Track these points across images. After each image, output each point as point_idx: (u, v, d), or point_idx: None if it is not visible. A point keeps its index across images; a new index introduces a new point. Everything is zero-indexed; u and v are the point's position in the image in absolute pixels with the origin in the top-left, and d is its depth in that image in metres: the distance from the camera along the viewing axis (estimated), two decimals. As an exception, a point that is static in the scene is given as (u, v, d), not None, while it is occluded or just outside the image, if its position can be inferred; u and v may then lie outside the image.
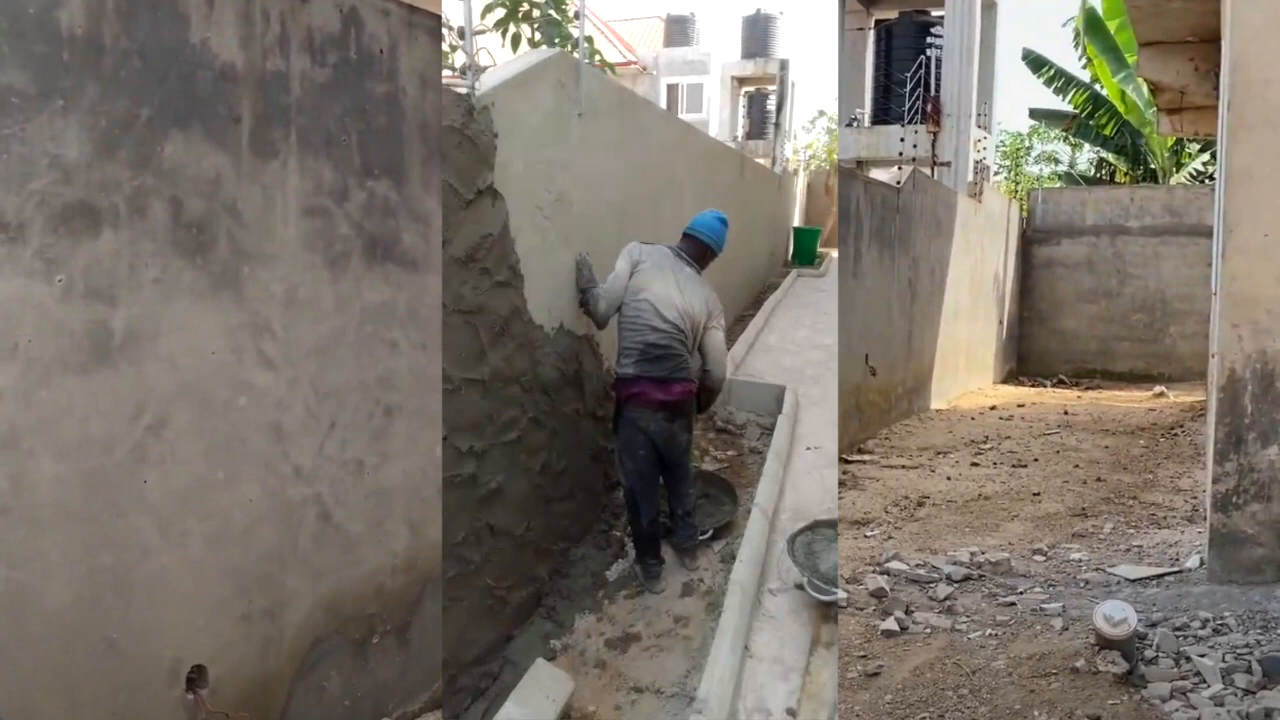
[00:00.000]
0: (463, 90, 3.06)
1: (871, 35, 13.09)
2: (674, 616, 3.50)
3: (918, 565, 3.89)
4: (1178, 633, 2.95)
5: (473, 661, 3.15)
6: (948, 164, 11.61)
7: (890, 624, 3.18)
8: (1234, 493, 3.49)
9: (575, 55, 4.10)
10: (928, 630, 3.17)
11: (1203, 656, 2.76)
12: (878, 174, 11.03)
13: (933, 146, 11.65)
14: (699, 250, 4.00)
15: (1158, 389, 10.90)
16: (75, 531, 2.01)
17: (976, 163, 11.81)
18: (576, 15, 4.99)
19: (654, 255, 3.91)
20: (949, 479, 5.83)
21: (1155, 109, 9.73)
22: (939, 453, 6.75)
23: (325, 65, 2.51)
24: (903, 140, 11.73)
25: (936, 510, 5.04)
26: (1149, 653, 2.81)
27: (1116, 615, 2.70)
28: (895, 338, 7.96)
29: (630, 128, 4.91)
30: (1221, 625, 3.01)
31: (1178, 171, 15.65)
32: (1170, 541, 4.29)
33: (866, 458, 6.47)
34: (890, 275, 7.80)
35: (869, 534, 4.55)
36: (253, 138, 2.33)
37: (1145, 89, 11.56)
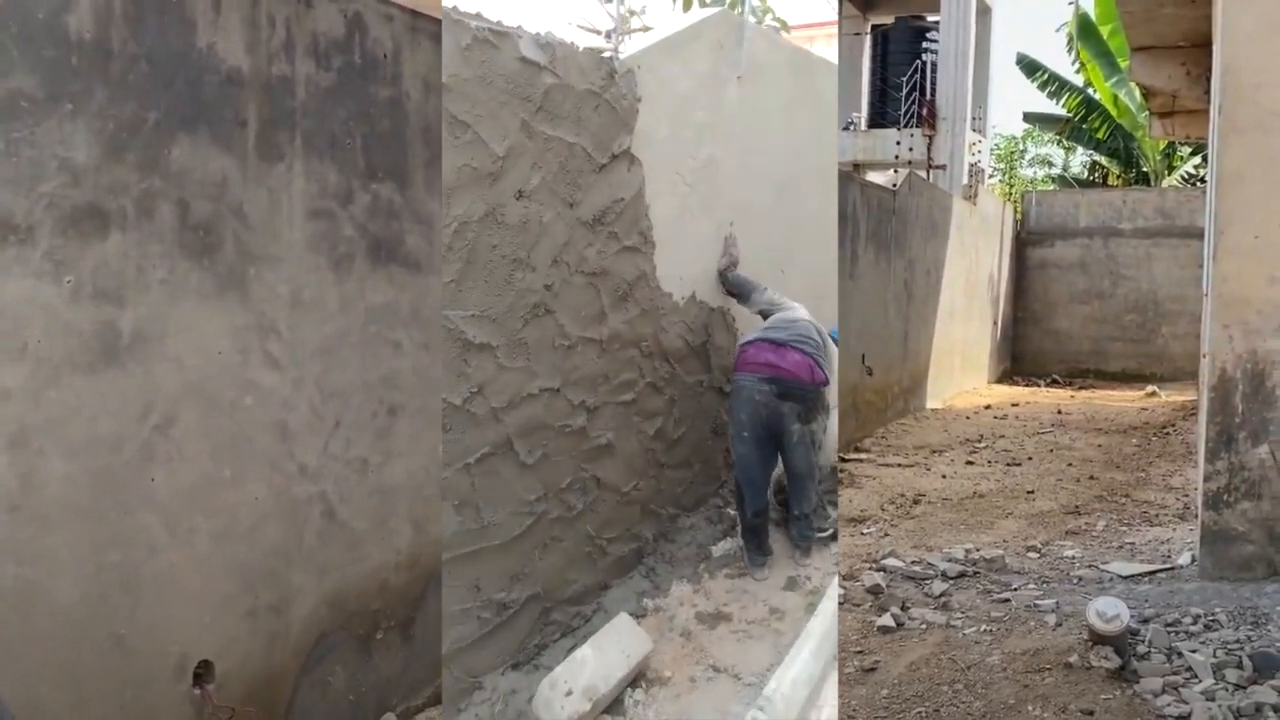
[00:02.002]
0: (605, 54, 3.04)
1: (868, 40, 13.17)
2: (770, 607, 3.38)
3: (913, 562, 3.93)
4: (1170, 629, 2.99)
5: (567, 600, 3.19)
6: (943, 167, 11.68)
7: (886, 620, 3.22)
8: (1225, 491, 3.53)
9: (739, 14, 3.91)
10: (923, 626, 3.21)
11: (1194, 652, 2.79)
12: (874, 177, 11.09)
13: (928, 150, 11.72)
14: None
15: (1150, 388, 10.98)
16: (83, 529, 2.04)
17: (971, 166, 11.88)
18: None
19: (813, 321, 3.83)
20: (944, 477, 5.88)
21: (1147, 113, 9.81)
22: (934, 451, 6.80)
23: (330, 70, 2.54)
24: (899, 143, 11.80)
25: (932, 508, 5.08)
26: (1141, 648, 2.85)
27: (1109, 611, 2.74)
28: (891, 338, 8.01)
29: (801, 91, 4.52)
30: (1213, 621, 3.05)
31: (1169, 174, 15.75)
32: (1162, 539, 4.34)
33: (863, 456, 6.52)
34: (886, 277, 7.85)
35: (866, 531, 4.59)
36: (258, 141, 2.36)
37: (1137, 93, 11.64)
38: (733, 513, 3.89)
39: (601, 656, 2.80)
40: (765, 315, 3.81)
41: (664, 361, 3.62)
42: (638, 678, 2.93)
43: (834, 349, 3.86)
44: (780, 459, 3.64)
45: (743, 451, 3.53)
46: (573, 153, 2.99)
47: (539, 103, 2.84)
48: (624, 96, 3.18)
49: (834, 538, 3.84)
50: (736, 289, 3.93)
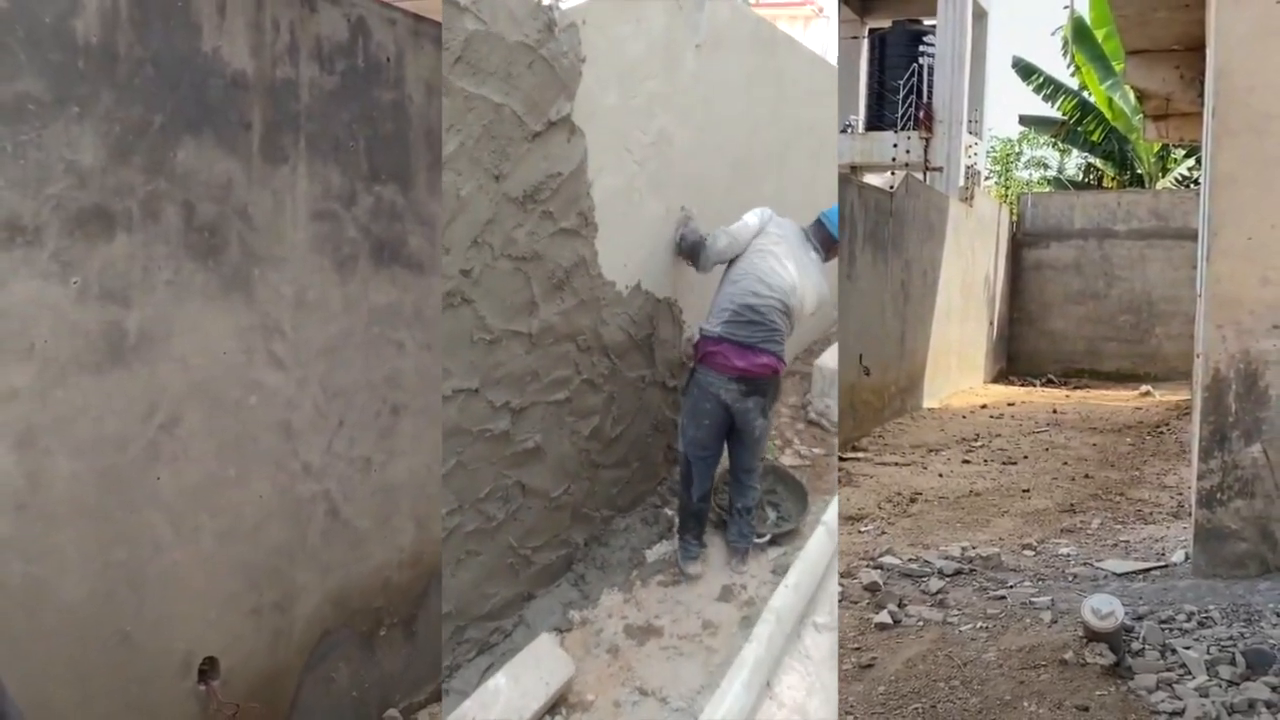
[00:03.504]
0: (544, 2, 2.60)
1: (865, 43, 13.24)
2: (703, 621, 3.14)
3: (910, 560, 3.96)
4: (1163, 626, 3.02)
5: (484, 616, 2.90)
6: (940, 169, 11.76)
7: (884, 617, 3.25)
8: (1218, 489, 3.57)
9: None
10: (920, 623, 3.24)
11: (1188, 649, 2.83)
12: (871, 179, 11.15)
13: (925, 152, 11.79)
14: (827, 241, 3.53)
15: (1144, 388, 11.06)
16: (90, 527, 2.05)
17: (968, 168, 11.96)
18: None
19: (784, 227, 3.46)
20: (941, 476, 5.92)
21: (1142, 115, 9.86)
22: (931, 450, 6.84)
23: (333, 73, 2.56)
24: (896, 146, 11.86)
25: (929, 506, 5.12)
26: (1136, 645, 2.88)
27: (1104, 608, 2.77)
28: (889, 338, 8.06)
29: (763, 67, 4.15)
30: (1206, 618, 3.08)
31: (1163, 176, 15.84)
32: (1156, 537, 4.38)
33: (861, 455, 6.56)
34: (884, 277, 7.89)
35: (863, 529, 4.62)
36: (263, 144, 2.38)
37: (1132, 96, 11.70)
38: (670, 512, 3.64)
39: (517, 686, 2.54)
40: (743, 253, 3.43)
41: (603, 356, 3.27)
42: (558, 703, 2.68)
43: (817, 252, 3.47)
44: (730, 451, 3.42)
45: (699, 436, 3.32)
46: (500, 116, 2.54)
47: (458, 52, 2.39)
48: (565, 54, 2.72)
49: (773, 542, 3.53)
50: (689, 254, 3.53)
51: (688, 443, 3.40)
